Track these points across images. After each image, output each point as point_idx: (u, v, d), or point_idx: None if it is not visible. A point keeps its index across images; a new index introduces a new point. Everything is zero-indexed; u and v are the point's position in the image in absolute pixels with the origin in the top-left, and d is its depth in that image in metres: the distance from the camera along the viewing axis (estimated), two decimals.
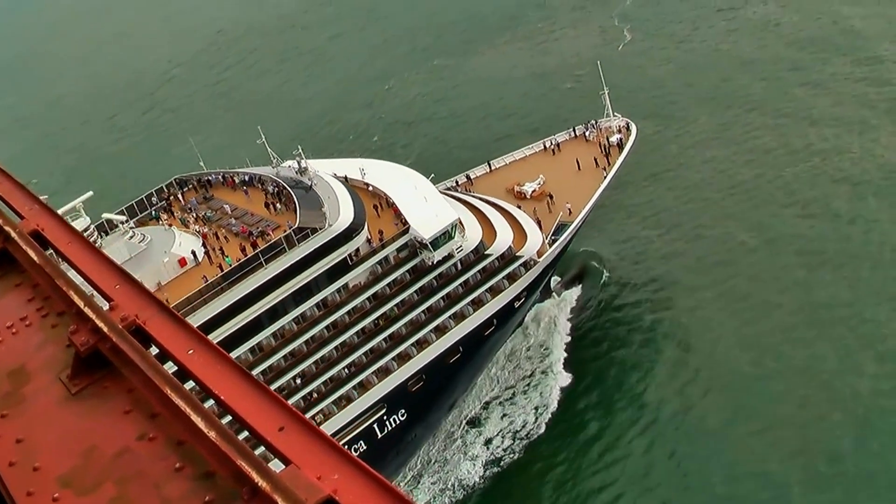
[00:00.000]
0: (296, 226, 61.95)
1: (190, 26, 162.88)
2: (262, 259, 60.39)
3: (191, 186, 72.45)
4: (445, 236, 64.95)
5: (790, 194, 78.98)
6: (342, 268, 63.10)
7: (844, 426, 59.73)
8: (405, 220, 65.36)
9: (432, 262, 65.22)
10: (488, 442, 69.26)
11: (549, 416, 69.08)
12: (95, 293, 6.34)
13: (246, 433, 5.00)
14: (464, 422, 71.52)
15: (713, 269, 74.95)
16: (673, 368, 68.58)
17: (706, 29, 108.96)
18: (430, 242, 64.31)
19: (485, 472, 67.10)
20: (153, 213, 70.41)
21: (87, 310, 6.06)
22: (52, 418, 5.75)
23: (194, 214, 68.26)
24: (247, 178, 70.78)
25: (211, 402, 5.28)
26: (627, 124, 78.70)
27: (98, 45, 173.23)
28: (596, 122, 79.70)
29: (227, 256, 62.25)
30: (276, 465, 4.59)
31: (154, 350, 5.69)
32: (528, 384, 72.72)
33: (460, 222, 66.24)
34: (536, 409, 70.31)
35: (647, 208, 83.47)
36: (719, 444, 61.26)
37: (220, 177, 72.29)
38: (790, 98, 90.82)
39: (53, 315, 6.54)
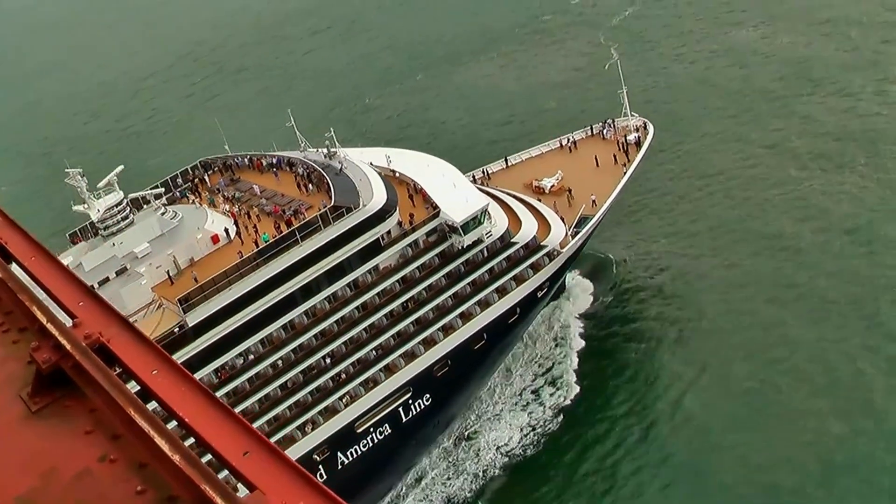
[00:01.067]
0: (331, 204, 62.21)
1: (221, 12, 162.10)
2: (298, 236, 60.55)
3: (216, 169, 72.45)
4: (475, 221, 65.50)
5: (806, 207, 79.78)
6: (374, 249, 63.40)
7: (861, 436, 60.29)
8: (435, 205, 65.83)
9: (462, 247, 65.67)
10: (499, 440, 69.30)
11: (562, 414, 69.45)
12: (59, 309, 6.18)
13: (210, 457, 4.91)
14: (478, 418, 71.73)
15: (725, 274, 75.86)
16: (681, 371, 69.13)
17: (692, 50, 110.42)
18: (460, 226, 64.79)
19: (498, 468, 67.24)
20: (178, 193, 70.41)
21: (49, 326, 5.89)
22: (10, 437, 5.53)
23: (222, 195, 68.23)
24: (274, 160, 71.00)
25: (175, 423, 5.22)
26: (644, 124, 79.89)
27: (132, 28, 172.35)
28: (613, 121, 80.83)
29: (264, 233, 62.31)
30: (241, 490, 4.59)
31: (118, 369, 5.57)
32: (543, 381, 73.15)
33: (489, 208, 66.80)
34: (549, 407, 70.59)
35: (658, 213, 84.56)
36: (725, 453, 61.66)
37: (246, 160, 72.41)
38: (783, 118, 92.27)
39: (15, 331, 6.29)
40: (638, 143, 78.45)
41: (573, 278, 79.67)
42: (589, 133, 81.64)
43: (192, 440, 5.08)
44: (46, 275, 6.47)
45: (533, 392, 71.92)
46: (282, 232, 61.82)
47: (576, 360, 72.87)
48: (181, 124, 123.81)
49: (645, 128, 79.68)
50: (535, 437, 68.20)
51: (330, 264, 61.76)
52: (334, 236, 61.43)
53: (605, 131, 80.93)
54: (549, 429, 68.45)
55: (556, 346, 75.60)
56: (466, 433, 70.46)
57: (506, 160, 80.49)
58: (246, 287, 59.06)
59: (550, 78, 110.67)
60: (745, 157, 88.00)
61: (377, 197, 63.20)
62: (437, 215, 65.39)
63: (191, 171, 72.13)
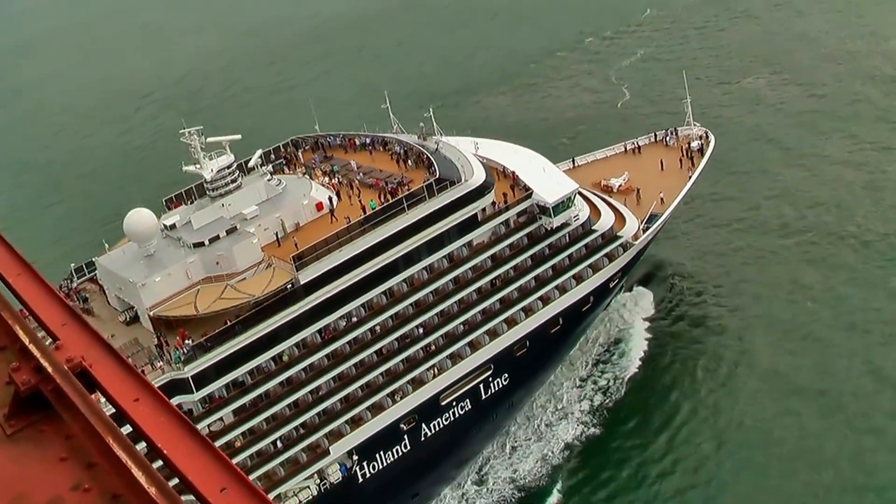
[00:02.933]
0: (437, 176, 64.53)
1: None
2: (405, 204, 62.76)
3: (308, 147, 74.47)
4: (566, 203, 68.11)
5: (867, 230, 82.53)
6: (471, 223, 65.70)
7: None
8: (526, 187, 68.35)
9: (551, 228, 68.14)
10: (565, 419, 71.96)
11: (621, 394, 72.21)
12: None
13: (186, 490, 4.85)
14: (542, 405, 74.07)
15: (781, 289, 78.91)
16: (728, 383, 71.88)
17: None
18: (552, 207, 67.32)
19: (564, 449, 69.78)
20: (272, 168, 72.17)
21: (31, 347, 5.76)
22: None
23: (320, 169, 70.25)
24: (368, 140, 73.25)
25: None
26: (706, 133, 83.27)
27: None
28: (675, 130, 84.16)
29: (371, 201, 64.43)
30: None
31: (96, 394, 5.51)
32: (602, 371, 75.69)
33: (578, 193, 69.50)
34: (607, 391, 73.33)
35: (716, 223, 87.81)
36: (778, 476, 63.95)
37: (338, 139, 74.58)
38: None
39: None
40: (701, 151, 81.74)
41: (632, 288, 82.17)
42: (652, 140, 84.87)
43: (159, 463, 5.05)
44: (31, 294, 6.28)
45: (591, 381, 74.65)
46: (385, 203, 63.99)
47: (636, 361, 75.40)
48: (271, 103, 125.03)
49: (707, 137, 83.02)
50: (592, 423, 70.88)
51: (430, 235, 63.90)
52: (437, 207, 63.68)
53: (667, 139, 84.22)
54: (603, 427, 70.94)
55: (617, 343, 78.27)
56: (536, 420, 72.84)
57: (573, 161, 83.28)
58: (354, 250, 61.03)
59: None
60: (812, 176, 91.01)
61: (477, 173, 65.65)
62: (528, 196, 67.87)
63: (282, 149, 74.08)
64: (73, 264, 67.48)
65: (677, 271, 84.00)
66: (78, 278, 66.71)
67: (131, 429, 5.30)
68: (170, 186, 70.10)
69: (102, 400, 5.65)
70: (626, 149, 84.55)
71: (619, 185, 79.29)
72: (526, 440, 71.48)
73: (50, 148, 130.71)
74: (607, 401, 72.53)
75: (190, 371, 56.88)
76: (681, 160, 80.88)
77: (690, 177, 79.04)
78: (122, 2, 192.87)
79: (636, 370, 74.35)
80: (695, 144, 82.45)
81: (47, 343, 5.96)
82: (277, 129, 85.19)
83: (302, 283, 59.70)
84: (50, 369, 5.55)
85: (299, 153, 73.41)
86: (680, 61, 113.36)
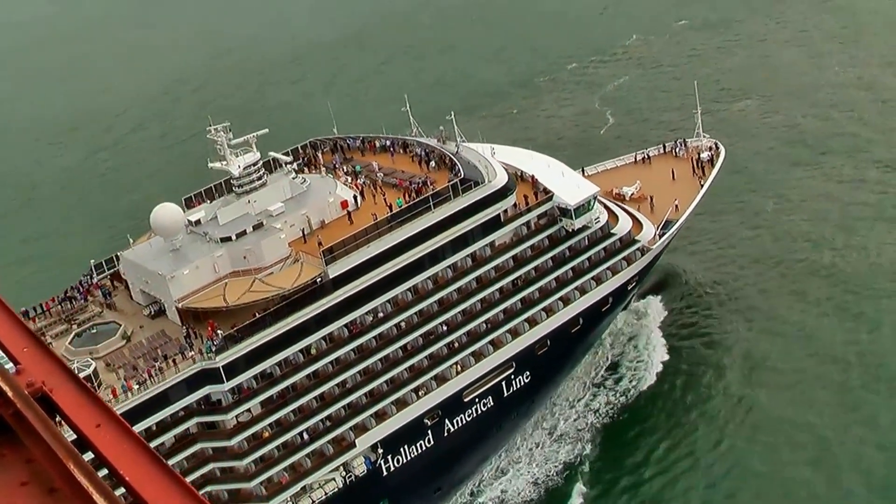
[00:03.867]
0: (461, 177, 65.40)
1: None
2: (431, 202, 63.54)
3: (327, 149, 75.15)
4: (586, 206, 69.11)
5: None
6: (494, 224, 66.48)
7: None
8: (546, 190, 69.30)
9: (572, 230, 69.03)
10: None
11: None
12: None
13: None
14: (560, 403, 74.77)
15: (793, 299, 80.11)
16: (739, 391, 72.66)
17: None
18: (573, 209, 68.28)
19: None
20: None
21: None
22: None
23: (342, 170, 70.92)
24: (388, 142, 74.05)
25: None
26: (716, 144, 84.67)
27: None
28: (685, 141, 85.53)
29: (397, 198, 65.15)
30: None
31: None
32: (620, 375, 76.50)
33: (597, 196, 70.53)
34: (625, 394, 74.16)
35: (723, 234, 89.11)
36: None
37: (357, 141, 75.32)
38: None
39: None
40: (711, 162, 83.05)
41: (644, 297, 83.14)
42: (662, 151, 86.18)
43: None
44: None
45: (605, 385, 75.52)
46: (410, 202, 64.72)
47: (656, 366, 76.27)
48: (287, 106, 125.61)
49: (716, 148, 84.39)
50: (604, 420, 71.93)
51: (455, 234, 64.64)
52: (462, 207, 64.51)
53: (677, 150, 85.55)
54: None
55: (634, 348, 79.11)
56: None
57: (582, 170, 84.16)
58: (382, 246, 61.67)
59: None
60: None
61: (500, 175, 66.57)
62: (549, 199, 68.80)
63: (301, 150, 74.71)
64: (92, 260, 67.69)
65: (685, 281, 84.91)
66: (97, 274, 66.86)
67: (93, 455, 5.27)
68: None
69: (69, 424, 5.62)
70: (636, 159, 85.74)
71: (632, 194, 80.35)
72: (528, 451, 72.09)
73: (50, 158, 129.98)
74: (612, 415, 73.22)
75: (221, 361, 57.12)
76: (693, 168, 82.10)
77: (703, 185, 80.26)
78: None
79: (653, 380, 74.91)
80: (705, 155, 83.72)
81: (8, 367, 5.83)
82: (296, 132, 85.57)
83: (331, 277, 60.19)
84: (10, 393, 5.44)
85: (319, 154, 73.99)
86: (680, 79, 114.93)
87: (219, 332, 57.92)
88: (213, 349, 57.13)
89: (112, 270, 67.15)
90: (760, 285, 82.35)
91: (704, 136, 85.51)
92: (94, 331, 61.65)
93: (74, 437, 5.45)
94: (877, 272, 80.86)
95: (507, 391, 68.97)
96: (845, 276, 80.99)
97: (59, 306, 64.63)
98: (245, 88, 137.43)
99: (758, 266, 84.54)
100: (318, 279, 60.02)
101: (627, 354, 78.30)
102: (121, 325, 61.67)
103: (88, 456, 5.43)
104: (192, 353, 57.59)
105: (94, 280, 66.57)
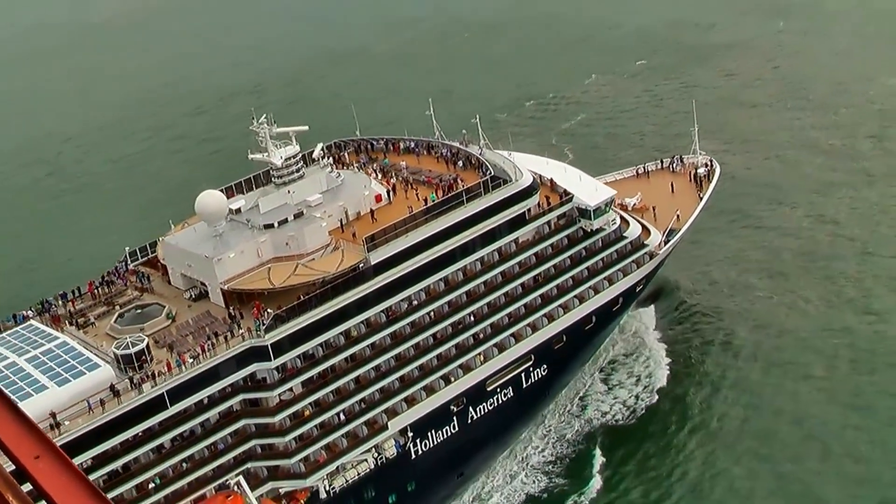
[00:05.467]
0: (491, 174, 68.79)
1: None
2: (464, 197, 66.79)
3: (352, 149, 78.01)
4: (605, 207, 72.90)
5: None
6: (520, 221, 69.86)
7: None
8: (566, 192, 72.98)
9: (590, 230, 72.73)
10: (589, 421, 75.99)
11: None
12: None
13: None
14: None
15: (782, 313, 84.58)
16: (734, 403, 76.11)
17: None
18: (592, 210, 72.01)
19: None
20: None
21: None
22: None
23: (371, 168, 73.85)
24: (412, 143, 77.24)
25: None
26: (711, 160, 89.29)
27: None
28: (681, 158, 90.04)
29: (431, 193, 68.28)
30: None
31: None
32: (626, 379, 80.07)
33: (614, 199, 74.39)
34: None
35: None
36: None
37: (381, 142, 78.37)
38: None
39: None
40: (708, 177, 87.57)
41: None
42: (660, 166, 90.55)
43: None
44: None
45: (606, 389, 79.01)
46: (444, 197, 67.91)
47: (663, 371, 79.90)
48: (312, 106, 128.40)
49: (711, 164, 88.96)
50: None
51: (484, 229, 67.89)
52: (492, 203, 67.87)
53: (674, 165, 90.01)
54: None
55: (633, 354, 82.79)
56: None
57: None
58: (420, 236, 64.67)
59: None
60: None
61: (525, 175, 70.13)
62: (569, 200, 72.47)
63: (325, 150, 77.27)
64: (126, 248, 69.54)
65: (681, 291, 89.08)
66: (131, 261, 68.74)
67: (32, 486, 5.31)
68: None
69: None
70: (636, 173, 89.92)
71: (634, 204, 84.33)
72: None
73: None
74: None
75: (270, 339, 59.36)
76: (691, 180, 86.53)
77: (702, 197, 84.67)
78: None
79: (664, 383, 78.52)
80: (701, 171, 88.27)
81: None
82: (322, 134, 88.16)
83: (372, 263, 62.91)
84: None
85: (345, 154, 76.82)
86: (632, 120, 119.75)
87: (268, 311, 60.13)
88: (263, 327, 59.32)
89: (145, 258, 69.07)
90: (754, 293, 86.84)
91: (701, 153, 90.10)
92: (139, 311, 63.45)
93: (13, 467, 5.38)
94: (877, 280, 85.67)
95: (526, 383, 72.02)
96: (841, 284, 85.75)
97: (98, 290, 66.36)
98: (281, 88, 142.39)
99: (751, 274, 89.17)
100: (360, 265, 62.67)
101: (623, 361, 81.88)
102: (165, 306, 63.58)
103: (27, 487, 5.40)
104: (242, 331, 59.70)
105: (130, 266, 68.39)
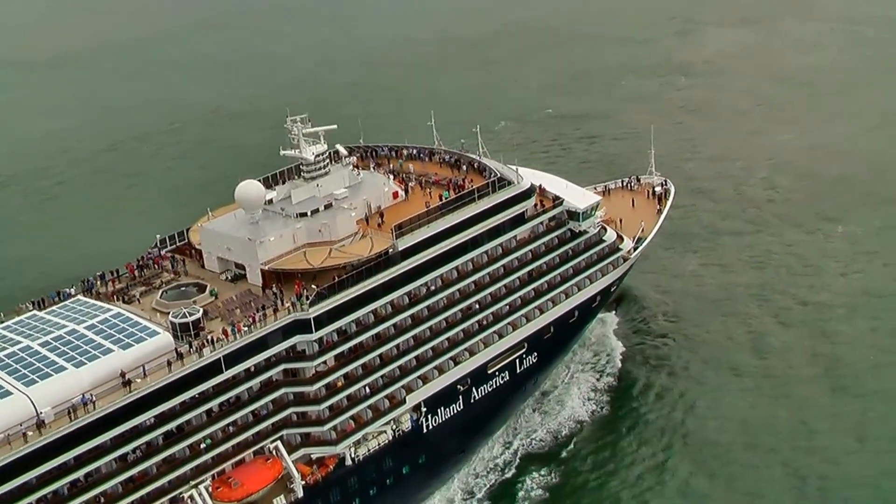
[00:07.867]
0: (497, 176, 76.43)
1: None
2: (476, 194, 74.21)
3: (358, 155, 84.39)
4: (591, 211, 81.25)
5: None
6: (520, 219, 77.51)
7: None
8: (556, 197, 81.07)
9: (579, 231, 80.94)
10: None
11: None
12: None
13: None
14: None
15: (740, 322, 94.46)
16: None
17: None
18: (581, 213, 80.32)
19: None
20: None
21: None
22: None
23: (383, 170, 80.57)
24: (415, 150, 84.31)
25: None
26: (665, 180, 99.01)
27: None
28: (638, 178, 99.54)
29: (444, 191, 75.46)
30: None
31: None
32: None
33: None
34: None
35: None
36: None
37: (384, 149, 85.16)
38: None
39: None
40: (665, 195, 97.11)
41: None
42: (619, 185, 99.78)
43: None
44: None
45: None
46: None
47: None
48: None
49: (666, 184, 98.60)
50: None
51: (491, 224, 75.30)
52: (498, 201, 75.42)
53: (632, 184, 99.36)
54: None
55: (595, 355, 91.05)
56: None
57: None
58: (440, 227, 71.62)
59: None
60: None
61: (525, 179, 78.03)
62: (560, 204, 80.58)
63: (332, 155, 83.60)
64: (158, 235, 74.36)
65: (640, 299, 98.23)
66: (161, 248, 73.63)
67: None
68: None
69: None
70: (596, 190, 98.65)
71: (600, 216, 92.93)
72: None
73: None
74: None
75: (314, 312, 65.15)
76: (649, 195, 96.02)
77: (661, 211, 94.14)
78: None
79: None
80: (658, 189, 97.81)
81: None
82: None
83: (399, 249, 69.52)
84: None
85: (353, 159, 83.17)
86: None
87: (312, 287, 65.98)
88: (308, 302, 65.11)
89: (174, 245, 74.02)
90: (704, 303, 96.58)
91: (656, 175, 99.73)
92: (183, 288, 68.43)
93: None
94: (815, 286, 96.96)
95: (520, 368, 79.31)
96: (788, 298, 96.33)
97: (136, 273, 71.09)
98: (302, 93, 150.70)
99: (702, 287, 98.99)
100: (389, 251, 69.19)
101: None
102: (207, 284, 68.73)
103: None
104: (287, 304, 65.39)
105: (162, 252, 73.23)
